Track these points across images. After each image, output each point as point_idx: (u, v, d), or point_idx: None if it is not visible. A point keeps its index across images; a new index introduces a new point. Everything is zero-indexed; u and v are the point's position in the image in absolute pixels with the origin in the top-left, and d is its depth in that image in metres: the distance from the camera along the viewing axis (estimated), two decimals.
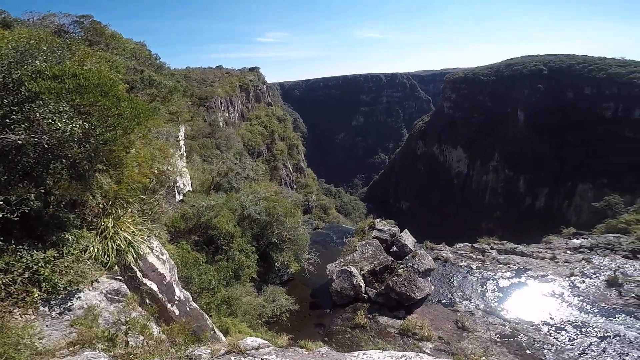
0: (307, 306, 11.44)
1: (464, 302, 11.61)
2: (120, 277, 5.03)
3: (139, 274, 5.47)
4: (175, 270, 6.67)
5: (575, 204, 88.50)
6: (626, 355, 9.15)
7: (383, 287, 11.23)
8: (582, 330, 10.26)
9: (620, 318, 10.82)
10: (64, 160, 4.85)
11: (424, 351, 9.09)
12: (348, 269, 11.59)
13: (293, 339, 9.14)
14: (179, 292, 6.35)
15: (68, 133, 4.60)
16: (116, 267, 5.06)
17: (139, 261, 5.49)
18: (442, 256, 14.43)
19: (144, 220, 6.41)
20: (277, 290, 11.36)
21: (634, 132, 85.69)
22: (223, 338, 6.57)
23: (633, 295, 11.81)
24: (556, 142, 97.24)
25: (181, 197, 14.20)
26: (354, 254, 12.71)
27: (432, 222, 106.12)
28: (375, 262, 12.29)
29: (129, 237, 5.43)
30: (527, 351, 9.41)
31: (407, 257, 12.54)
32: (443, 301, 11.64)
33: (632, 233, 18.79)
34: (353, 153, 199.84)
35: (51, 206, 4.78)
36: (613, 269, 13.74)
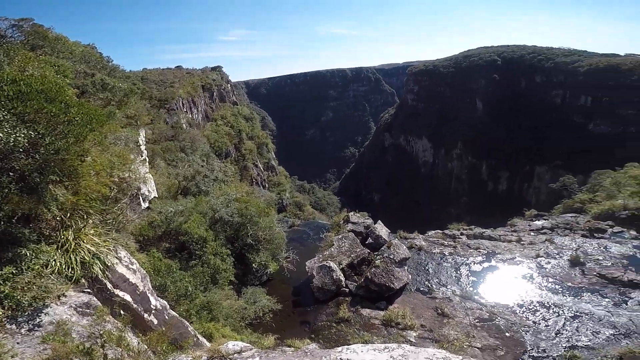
0: (289, 305, 11.38)
1: (441, 288, 12.03)
2: (88, 290, 4.87)
3: (109, 286, 5.27)
4: (148, 279, 6.43)
5: (534, 186, 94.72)
6: (598, 334, 9.78)
7: (363, 280, 11.40)
8: (554, 310, 10.91)
9: (587, 297, 11.61)
10: (11, 174, 4.54)
11: (409, 340, 9.33)
12: (327, 264, 11.65)
13: (279, 338, 9.07)
14: (155, 301, 6.13)
15: (12, 143, 4.33)
16: (83, 280, 4.90)
17: (107, 272, 5.28)
18: (416, 245, 14.84)
19: (108, 231, 6.09)
20: (258, 292, 11.20)
21: (581, 117, 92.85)
22: (207, 344, 6.42)
23: (595, 274, 12.74)
24: (513, 128, 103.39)
25: (147, 205, 13.58)
26: (332, 249, 12.79)
27: (404, 211, 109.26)
28: (352, 255, 12.44)
29: (93, 248, 5.17)
30: (507, 334, 9.86)
31: (382, 248, 12.79)
32: (421, 289, 11.99)
33: (587, 212, 20.34)
34: (324, 148, 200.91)
35: (1, 222, 4.52)
36: (574, 249, 14.75)
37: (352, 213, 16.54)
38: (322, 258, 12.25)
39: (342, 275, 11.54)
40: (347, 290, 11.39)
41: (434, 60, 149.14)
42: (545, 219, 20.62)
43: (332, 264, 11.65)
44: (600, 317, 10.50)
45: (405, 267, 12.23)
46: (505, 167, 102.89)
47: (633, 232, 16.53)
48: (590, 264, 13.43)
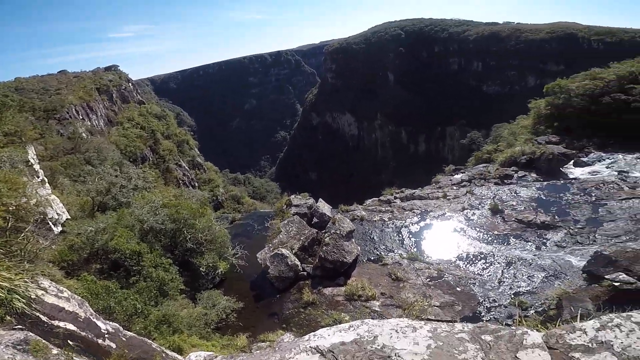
0: (251, 300, 11.11)
1: (389, 254, 12.74)
2: (20, 327, 4.31)
3: (44, 318, 4.63)
4: (87, 305, 5.78)
5: (448, 144, 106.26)
6: (532, 277, 11.05)
7: (317, 260, 11.59)
8: (489, 260, 12.13)
9: (513, 242, 13.18)
10: None
11: (374, 310, 9.78)
12: (279, 251, 11.56)
13: (251, 335, 8.84)
14: (104, 325, 5.56)
15: None
16: (9, 318, 4.33)
17: (34, 306, 4.60)
18: (358, 216, 15.51)
19: (19, 262, 5.21)
20: (214, 294, 10.71)
21: (476, 80, 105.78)
22: (179, 357, 6.03)
23: (513, 219, 14.60)
24: (422, 94, 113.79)
25: (60, 228, 11.93)
26: (280, 236, 12.70)
27: (340, 185, 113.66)
28: (302, 238, 12.54)
29: (5, 284, 4.42)
30: (458, 289, 10.71)
31: (328, 225, 13.11)
32: (372, 258, 12.58)
33: (494, 161, 23.39)
34: (252, 136, 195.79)
35: None
36: (491, 197, 16.70)
37: (293, 196, 16.47)
38: (273, 247, 12.12)
39: (296, 259, 11.58)
40: (305, 273, 11.48)
41: (347, 38, 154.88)
42: (462, 172, 23.14)
43: (285, 251, 11.61)
44: (529, 261, 11.89)
45: (353, 240, 12.72)
46: (421, 131, 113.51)
47: (534, 175, 19.54)
48: (507, 210, 15.33)
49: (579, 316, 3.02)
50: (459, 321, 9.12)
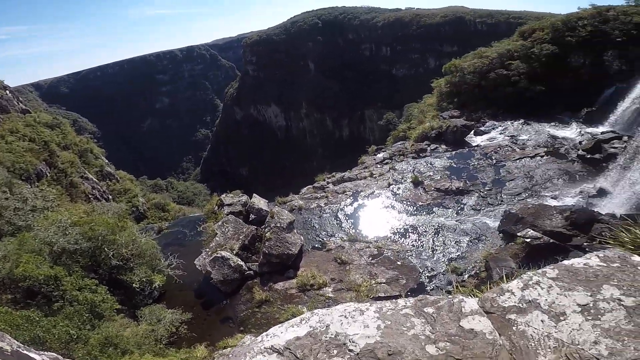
0: (199, 309, 10.55)
1: (331, 239, 13.06)
2: None
3: None
4: (9, 337, 4.93)
5: (368, 127, 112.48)
6: (459, 243, 12.15)
7: (261, 257, 11.37)
8: (420, 230, 13.10)
9: (436, 211, 14.44)
10: None
11: (328, 297, 9.94)
12: (219, 255, 11.05)
13: (210, 344, 8.40)
14: (39, 357, 4.76)
15: None
16: None
17: None
18: (296, 206, 15.56)
19: None
20: (156, 309, 9.99)
21: (386, 64, 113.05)
22: None
23: (433, 189, 16.03)
24: (341, 80, 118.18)
25: None
26: (217, 239, 12.13)
27: (273, 177, 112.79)
28: (241, 237, 12.16)
29: None
30: (398, 262, 11.35)
31: (267, 220, 12.94)
32: (316, 246, 12.76)
33: (409, 138, 25.40)
34: (170, 136, 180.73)
35: None
36: (411, 170, 18.20)
37: (224, 195, 15.79)
38: (211, 251, 11.53)
39: (239, 260, 11.22)
40: (251, 272, 11.21)
41: (266, 30, 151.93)
42: (384, 151, 24.71)
43: (225, 253, 11.14)
44: (453, 227, 13.14)
45: (295, 230, 12.78)
46: (344, 116, 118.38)
47: (443, 146, 21.76)
48: (426, 181, 16.87)
49: (504, 277, 3.37)
50: (403, 296, 9.71)
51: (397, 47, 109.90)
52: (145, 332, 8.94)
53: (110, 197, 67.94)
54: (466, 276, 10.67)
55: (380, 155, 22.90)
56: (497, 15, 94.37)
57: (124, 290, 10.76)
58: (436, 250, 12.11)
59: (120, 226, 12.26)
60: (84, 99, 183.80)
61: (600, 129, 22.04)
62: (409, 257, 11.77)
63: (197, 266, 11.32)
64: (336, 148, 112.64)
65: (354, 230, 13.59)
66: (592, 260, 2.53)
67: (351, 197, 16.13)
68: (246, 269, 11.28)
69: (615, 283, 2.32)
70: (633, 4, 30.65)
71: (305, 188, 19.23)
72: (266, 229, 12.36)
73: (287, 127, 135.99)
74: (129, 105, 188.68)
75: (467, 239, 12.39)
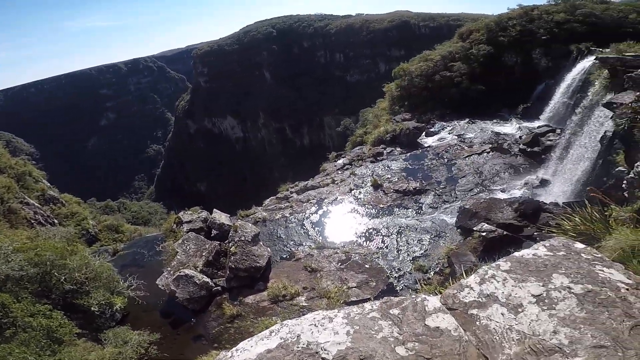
0: (168, 328, 9.98)
1: (299, 248, 13.00)
2: None
3: None
4: None
5: (327, 134, 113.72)
6: (422, 241, 12.53)
7: (228, 271, 11.00)
8: (383, 232, 13.38)
9: (397, 212, 14.89)
10: None
11: (302, 306, 9.78)
12: (182, 273, 10.56)
13: None
14: None
15: None
16: None
17: None
18: (259, 218, 15.33)
19: None
20: (120, 332, 9.49)
21: (340, 71, 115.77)
22: None
23: (392, 191, 16.57)
24: (298, 88, 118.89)
25: None
26: (178, 257, 11.57)
27: (235, 191, 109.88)
28: (204, 254, 11.69)
29: None
30: (367, 266, 11.48)
31: (230, 234, 12.60)
32: (284, 256, 12.62)
33: (366, 142, 26.12)
34: (118, 155, 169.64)
35: None
36: (370, 174, 18.72)
37: (182, 213, 15.24)
38: (173, 269, 10.99)
39: (204, 277, 10.78)
40: (219, 288, 10.81)
41: (217, 40, 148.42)
42: (343, 157, 25.20)
43: (188, 271, 10.65)
44: (415, 226, 13.61)
45: (260, 242, 12.56)
46: (303, 124, 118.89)
47: (398, 149, 22.64)
48: (385, 183, 17.43)
49: (463, 272, 3.47)
50: (372, 299, 9.88)
51: (350, 54, 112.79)
52: (112, 355, 8.64)
53: (56, 221, 62.12)
54: (432, 273, 11.05)
55: (340, 162, 23.32)
56: (439, 18, 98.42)
57: (82, 314, 10.24)
58: (401, 250, 12.46)
59: (70, 250, 11.67)
60: (17, 117, 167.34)
61: (537, 123, 24.10)
62: (376, 260, 12.01)
63: (159, 286, 10.78)
64: (297, 157, 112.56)
65: (321, 238, 13.64)
66: (540, 250, 2.65)
67: (316, 205, 16.20)
68: (213, 285, 10.90)
69: (563, 271, 2.44)
70: (553, 3, 33.13)
71: (269, 199, 19.05)
72: (230, 244, 12.02)
73: (245, 138, 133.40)
74: (71, 123, 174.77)
75: (429, 237, 12.88)
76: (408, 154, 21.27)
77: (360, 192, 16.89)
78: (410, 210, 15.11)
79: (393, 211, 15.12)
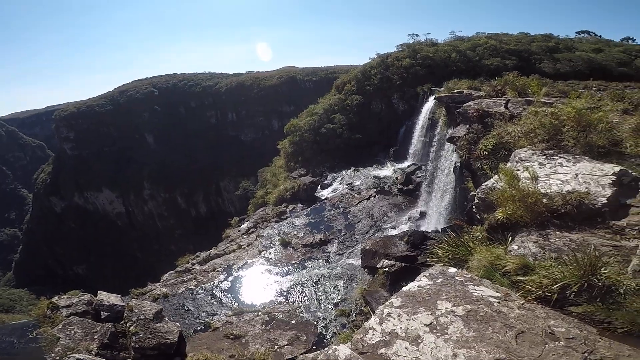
0: None
1: (214, 318, 12.30)
2: None
3: None
4: None
5: (226, 198, 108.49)
6: (337, 287, 13.14)
7: (133, 352, 9.37)
8: (300, 286, 13.62)
9: (309, 265, 15.39)
10: None
11: None
12: (72, 358, 9.09)
13: None
14: None
15: None
16: None
17: None
18: (159, 294, 14.40)
19: None
20: None
21: (233, 130, 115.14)
22: None
23: (301, 246, 17.03)
24: (189, 153, 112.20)
25: None
26: (62, 342, 10.08)
27: (124, 270, 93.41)
28: (97, 337, 10.27)
29: None
30: (293, 322, 11.51)
31: (125, 315, 11.57)
32: (199, 328, 11.92)
33: (268, 203, 26.49)
34: None
35: None
36: (277, 234, 18.99)
37: (56, 298, 12.96)
38: (59, 355, 9.61)
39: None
40: None
41: (86, 100, 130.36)
42: (247, 221, 25.08)
43: (82, 355, 9.38)
44: (328, 275, 14.31)
45: (166, 318, 11.58)
46: (197, 191, 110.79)
47: (300, 205, 23.72)
48: (293, 240, 18.07)
49: (371, 311, 3.68)
50: (311, 349, 9.78)
51: (242, 112, 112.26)
52: None
53: None
54: (354, 315, 11.57)
55: (244, 226, 23.05)
56: (319, 72, 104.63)
57: None
58: (321, 300, 12.85)
59: None
60: None
61: (406, 163, 27.94)
62: (301, 314, 12.20)
63: None
64: (196, 226, 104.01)
65: (237, 304, 13.17)
66: (423, 281, 2.96)
67: (224, 273, 15.57)
68: None
69: (445, 297, 2.67)
70: (401, 50, 37.99)
71: (167, 274, 17.71)
72: (128, 324, 11.12)
73: (129, 213, 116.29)
74: None
75: (342, 282, 13.67)
76: (309, 209, 22.48)
77: (270, 253, 16.96)
78: (320, 260, 15.83)
79: (305, 264, 15.62)
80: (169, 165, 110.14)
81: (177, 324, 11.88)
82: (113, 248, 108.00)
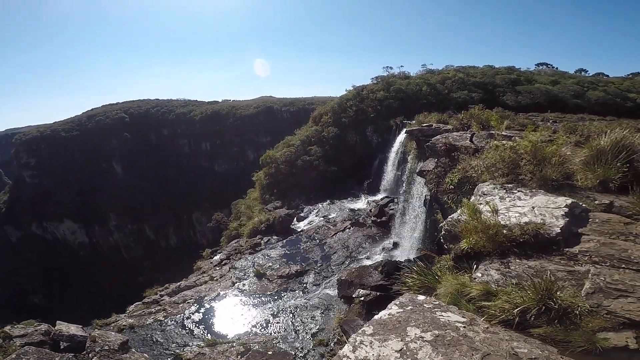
0: None
1: (185, 349, 11.76)
2: None
3: None
4: None
5: (198, 230, 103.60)
6: (314, 317, 13.05)
7: None
8: (277, 317, 13.31)
9: (285, 295, 15.11)
10: None
11: None
12: None
13: None
14: None
15: None
16: None
17: None
18: (124, 325, 13.83)
19: None
20: None
21: (207, 160, 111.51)
22: None
23: (276, 277, 16.74)
24: (160, 183, 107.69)
25: None
26: None
27: (88, 300, 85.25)
28: None
29: None
30: (270, 352, 11.22)
31: (88, 345, 11.11)
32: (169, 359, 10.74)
33: (242, 235, 25.95)
34: None
35: None
36: (251, 265, 18.59)
37: (9, 327, 12.46)
38: None
39: None
40: None
41: (51, 124, 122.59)
42: (220, 253, 24.34)
43: None
44: (305, 305, 14.15)
45: (132, 349, 11.12)
46: (167, 223, 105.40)
47: (275, 237, 23.47)
48: (268, 271, 17.79)
49: (346, 343, 3.66)
50: None
51: (217, 141, 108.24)
52: None
53: None
54: (332, 344, 11.38)
55: (217, 257, 22.39)
56: (297, 102, 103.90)
57: None
58: (299, 330, 12.65)
59: None
60: None
61: (379, 196, 28.45)
62: (278, 345, 11.95)
63: None
64: (165, 258, 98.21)
65: (210, 335, 12.62)
66: (393, 309, 2.98)
67: (195, 304, 14.96)
68: None
69: (414, 323, 2.73)
70: (375, 82, 38.82)
71: (133, 305, 17.16)
72: (90, 354, 10.68)
73: (92, 244, 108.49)
74: None
75: (319, 312, 13.61)
76: (284, 241, 22.30)
77: (244, 284, 16.54)
78: (297, 291, 15.65)
79: (281, 295, 15.36)
80: (138, 196, 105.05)
81: (146, 355, 11.59)
82: (76, 278, 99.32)
